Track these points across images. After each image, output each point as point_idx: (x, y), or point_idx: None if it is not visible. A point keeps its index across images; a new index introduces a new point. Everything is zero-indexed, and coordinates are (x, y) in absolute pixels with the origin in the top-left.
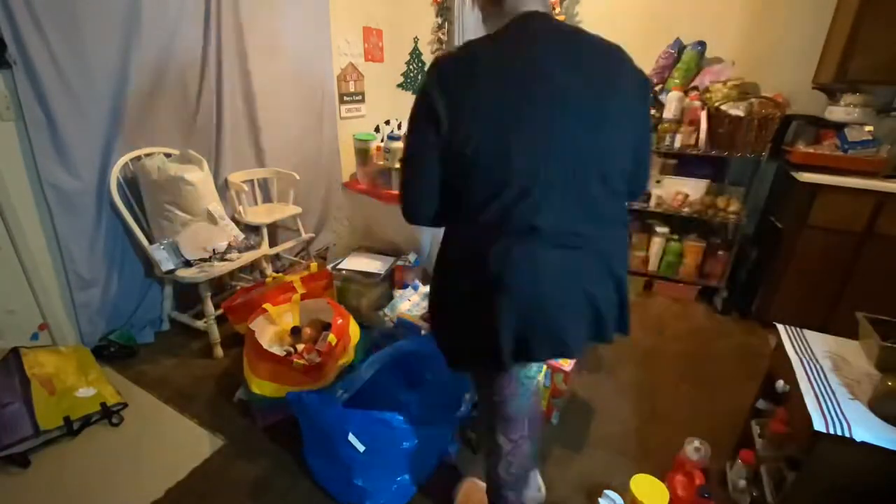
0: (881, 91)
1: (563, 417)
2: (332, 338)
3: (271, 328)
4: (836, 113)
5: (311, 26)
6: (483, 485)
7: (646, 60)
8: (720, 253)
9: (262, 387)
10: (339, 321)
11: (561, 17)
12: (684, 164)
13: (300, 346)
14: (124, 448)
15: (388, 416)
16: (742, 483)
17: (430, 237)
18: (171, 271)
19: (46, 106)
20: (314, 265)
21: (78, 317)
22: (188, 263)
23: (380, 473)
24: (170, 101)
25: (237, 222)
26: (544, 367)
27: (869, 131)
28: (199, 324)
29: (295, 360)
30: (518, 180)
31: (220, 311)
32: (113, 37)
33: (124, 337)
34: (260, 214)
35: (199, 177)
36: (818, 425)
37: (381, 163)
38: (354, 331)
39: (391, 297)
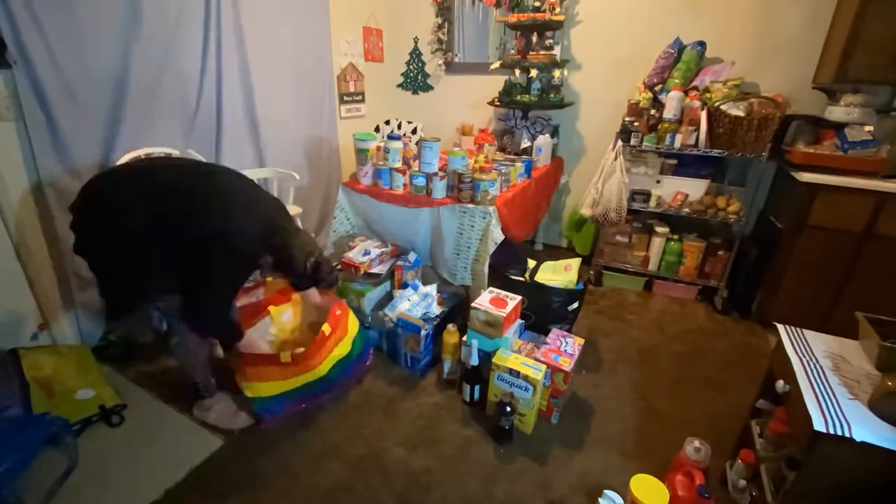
0: (881, 91)
1: (563, 417)
2: (326, 327)
3: (269, 335)
4: (836, 113)
5: (311, 26)
6: None
7: (646, 60)
8: (720, 253)
9: (253, 389)
10: (338, 312)
11: (561, 17)
12: (684, 164)
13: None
14: (124, 448)
15: None
16: (742, 483)
17: (430, 238)
18: None
19: (46, 106)
20: None
21: (78, 317)
22: None
23: None
24: (170, 101)
25: None
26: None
27: (869, 131)
28: None
29: (281, 355)
30: None
31: None
32: (113, 37)
33: (124, 337)
34: None
35: None
36: (818, 425)
37: (381, 163)
38: (353, 324)
39: (391, 297)
